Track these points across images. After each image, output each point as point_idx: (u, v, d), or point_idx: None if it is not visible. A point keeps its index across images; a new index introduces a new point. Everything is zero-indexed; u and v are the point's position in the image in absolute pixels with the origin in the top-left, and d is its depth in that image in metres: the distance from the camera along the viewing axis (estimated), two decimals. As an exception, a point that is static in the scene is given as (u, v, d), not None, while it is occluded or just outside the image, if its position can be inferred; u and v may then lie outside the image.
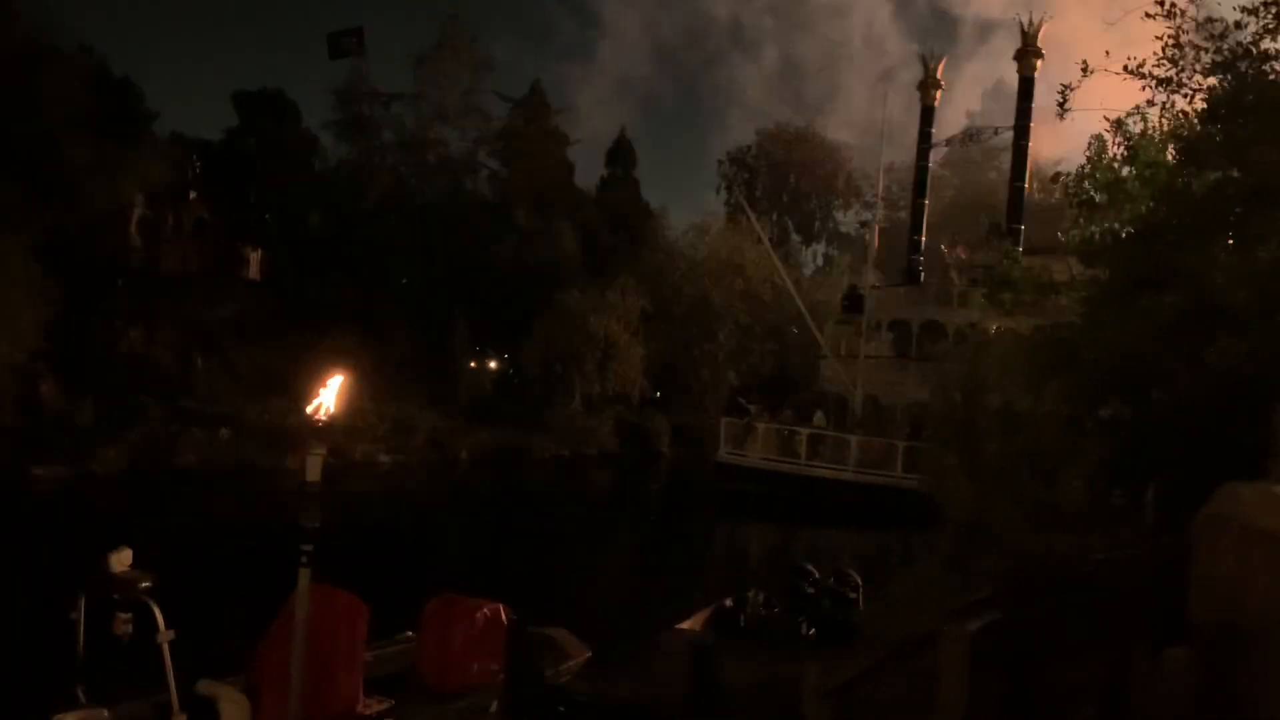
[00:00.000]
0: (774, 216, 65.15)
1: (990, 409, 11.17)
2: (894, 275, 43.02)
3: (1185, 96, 9.03)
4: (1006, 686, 7.27)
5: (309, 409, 5.32)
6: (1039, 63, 37.69)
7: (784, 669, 9.92)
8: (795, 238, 68.05)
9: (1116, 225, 9.92)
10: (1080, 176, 10.17)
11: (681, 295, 50.40)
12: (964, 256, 43.13)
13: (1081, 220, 10.32)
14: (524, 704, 8.22)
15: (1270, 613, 3.60)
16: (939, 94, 41.85)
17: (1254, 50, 8.52)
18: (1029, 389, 10.42)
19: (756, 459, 31.69)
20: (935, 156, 55.48)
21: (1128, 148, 9.73)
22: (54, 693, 6.77)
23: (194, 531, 23.32)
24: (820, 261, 67.20)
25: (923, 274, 40.86)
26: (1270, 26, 8.44)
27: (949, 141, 42.46)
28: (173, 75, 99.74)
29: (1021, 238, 36.35)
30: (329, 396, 5.35)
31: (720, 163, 68.08)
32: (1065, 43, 43.67)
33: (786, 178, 66.94)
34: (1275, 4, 8.38)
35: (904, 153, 50.77)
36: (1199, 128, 8.97)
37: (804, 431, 32.24)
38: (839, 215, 69.20)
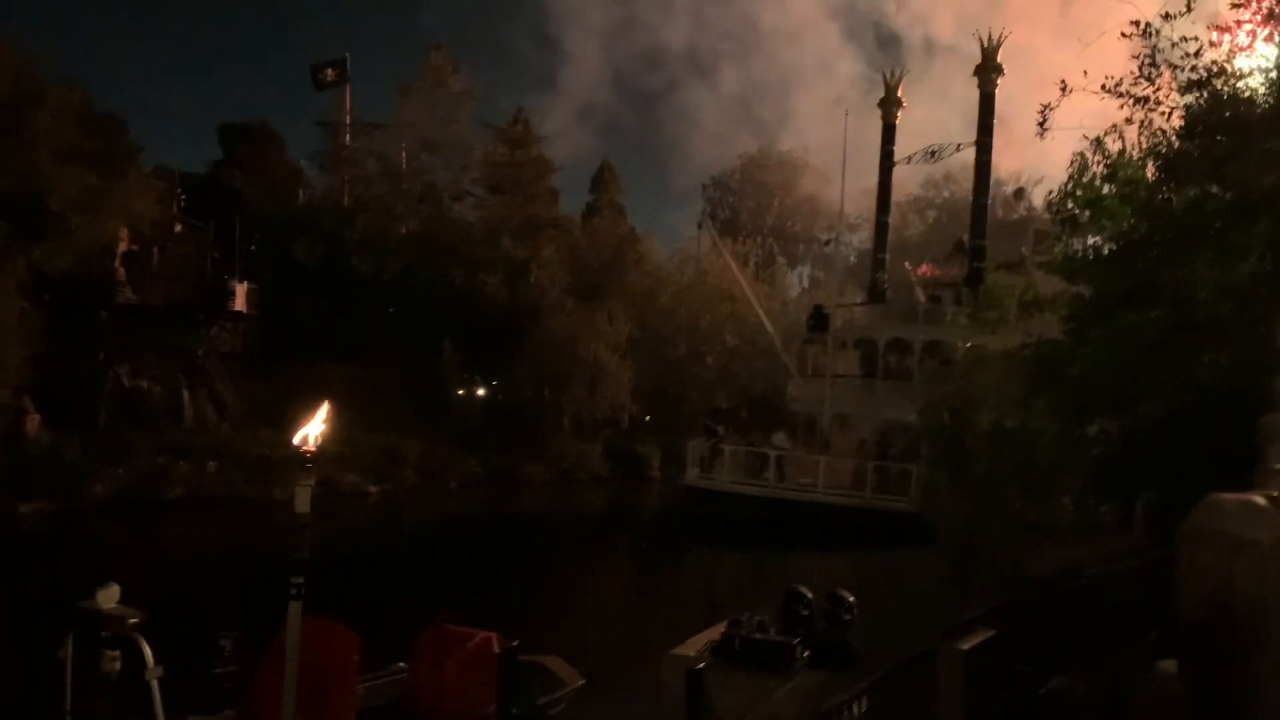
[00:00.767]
0: (759, 239, 65.47)
1: (979, 427, 11.19)
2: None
3: (1163, 114, 9.15)
4: (1003, 702, 7.26)
5: (297, 440, 5.30)
6: (999, 78, 37.75)
7: (780, 692, 9.87)
8: (780, 260, 68.39)
9: (1099, 241, 10.01)
10: (1063, 194, 10.26)
11: (669, 319, 50.48)
12: (927, 273, 43.24)
13: (1065, 237, 10.41)
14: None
15: (1255, 620, 3.62)
16: (900, 112, 41.72)
17: (1228, 68, 8.64)
18: (1017, 406, 10.46)
19: (725, 482, 31.15)
20: (918, 177, 55.80)
21: (1107, 165, 9.83)
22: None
23: (182, 565, 23.14)
24: (805, 283, 67.54)
25: (887, 291, 40.82)
26: (1243, 44, 8.57)
27: (910, 159, 42.49)
28: (158, 108, 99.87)
29: (985, 253, 36.37)
30: (316, 427, 5.33)
31: (704, 186, 68.52)
32: (1016, 57, 44.12)
33: (771, 201, 67.35)
34: (1247, 22, 8.52)
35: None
36: (1177, 144, 9.08)
37: (773, 453, 31.77)
38: (823, 237, 69.59)
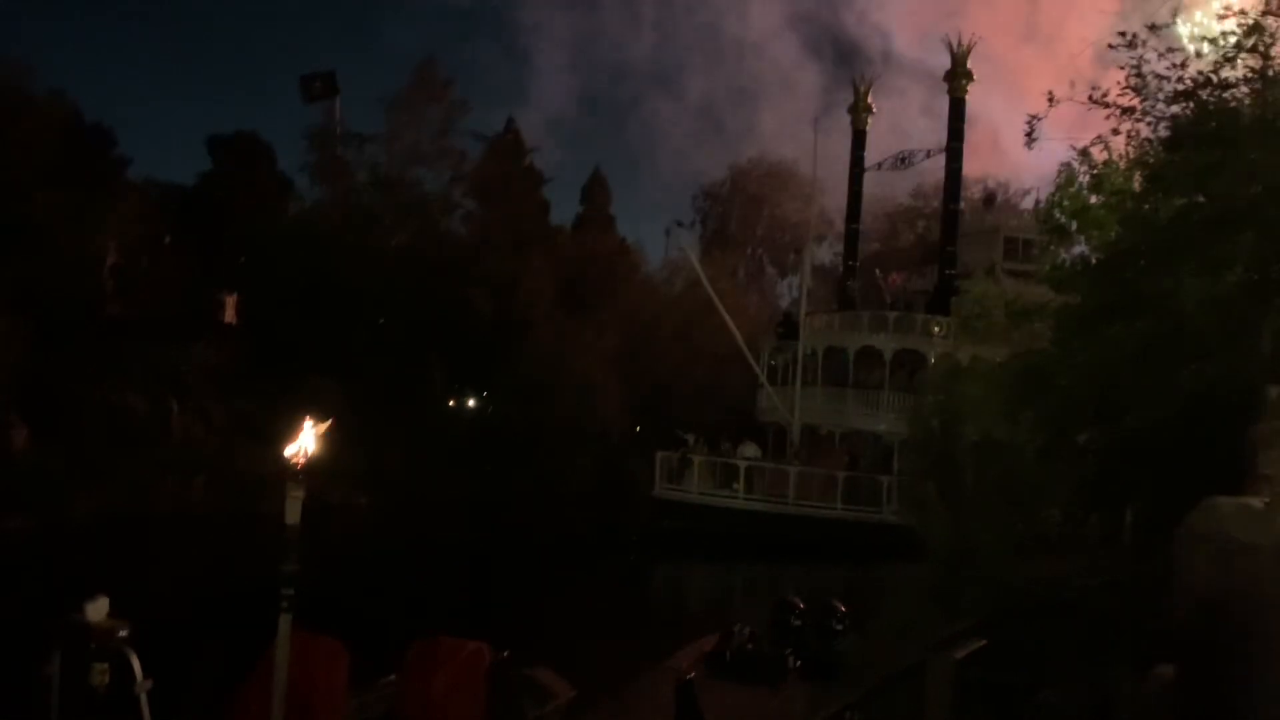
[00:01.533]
0: (749, 250, 65.55)
1: (967, 439, 11.24)
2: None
3: (1149, 124, 9.22)
4: (993, 714, 7.27)
5: (287, 452, 5.29)
6: (968, 84, 37.42)
7: (771, 703, 9.87)
8: (770, 270, 68.47)
9: (1086, 251, 10.08)
10: (1050, 204, 10.33)
11: (659, 331, 50.42)
12: (897, 282, 43.06)
13: (1052, 247, 10.48)
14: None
15: (1252, 625, 3.64)
16: (870, 118, 41.39)
17: (1214, 79, 8.72)
18: (1005, 417, 10.50)
19: (694, 494, 30.67)
20: (906, 187, 55.71)
21: (1093, 175, 9.91)
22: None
23: (170, 579, 22.99)
24: (796, 294, 67.57)
25: (857, 300, 40.55)
26: (1229, 55, 8.65)
27: (880, 165, 42.31)
28: (145, 120, 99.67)
29: (956, 261, 36.22)
30: (308, 440, 5.32)
31: (694, 197, 68.58)
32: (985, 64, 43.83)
33: (760, 211, 67.44)
34: (1233, 33, 8.60)
35: (883, 185, 51.06)
36: (1163, 155, 9.15)
37: (741, 464, 31.31)
38: (813, 248, 69.67)
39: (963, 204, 40.21)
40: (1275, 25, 8.49)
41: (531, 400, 44.27)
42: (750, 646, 11.76)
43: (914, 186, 55.34)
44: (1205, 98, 8.76)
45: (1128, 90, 9.22)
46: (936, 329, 33.80)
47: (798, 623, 12.23)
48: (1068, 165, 10.21)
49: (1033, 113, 9.81)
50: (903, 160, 41.72)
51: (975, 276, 35.38)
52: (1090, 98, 9.45)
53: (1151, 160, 9.39)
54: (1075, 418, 9.24)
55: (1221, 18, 8.73)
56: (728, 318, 36.83)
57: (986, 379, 11.63)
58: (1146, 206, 9.32)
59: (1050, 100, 9.85)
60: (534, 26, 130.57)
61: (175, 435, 35.00)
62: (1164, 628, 6.08)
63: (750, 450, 32.88)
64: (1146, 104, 9.21)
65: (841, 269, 43.63)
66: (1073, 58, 10.15)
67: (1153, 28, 9.11)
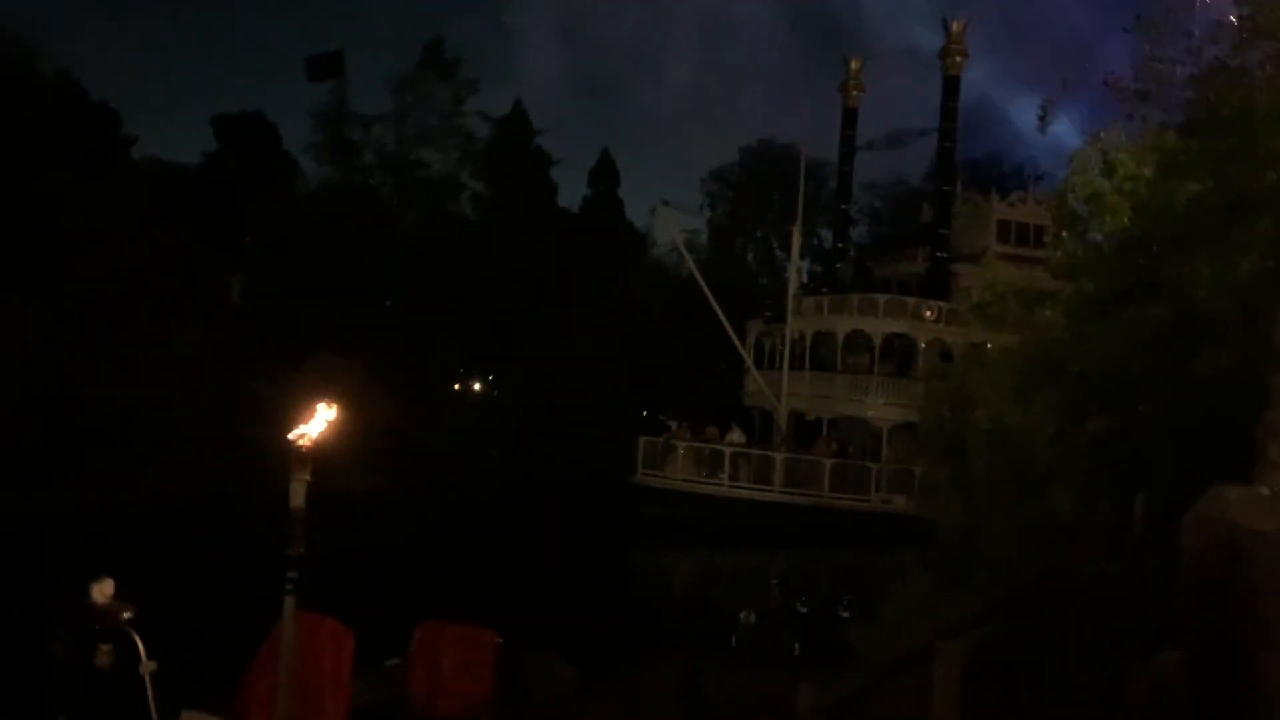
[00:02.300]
0: (758, 234, 65.29)
1: (979, 424, 11.19)
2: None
3: (1164, 110, 9.13)
4: (1001, 701, 7.25)
5: (292, 434, 5.26)
6: (963, 61, 36.25)
7: (776, 689, 9.86)
8: (780, 254, 68.23)
9: (1099, 238, 10.00)
10: (1063, 190, 10.24)
11: (667, 314, 50.30)
12: (887, 263, 42.44)
13: (1065, 233, 10.39)
14: (514, 730, 8.13)
15: (1257, 612, 3.61)
16: (860, 95, 40.14)
17: (1230, 64, 8.61)
18: (1017, 403, 10.45)
19: (676, 480, 29.99)
20: (917, 172, 55.16)
21: (1105, 161, 9.81)
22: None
23: (175, 560, 23.04)
24: (805, 278, 67.30)
25: (847, 282, 39.75)
26: (1245, 40, 8.54)
27: (871, 145, 41.33)
28: (151, 99, 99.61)
29: (948, 244, 35.48)
30: (316, 423, 5.29)
31: (702, 180, 68.30)
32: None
33: (770, 194, 67.14)
34: (1248, 19, 8.49)
35: (878, 169, 50.61)
36: (1178, 141, 9.06)
37: (727, 450, 30.63)
38: (823, 233, 69.49)
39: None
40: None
41: (539, 383, 44.26)
42: (757, 633, 11.78)
43: (925, 171, 54.86)
44: (1220, 83, 8.66)
45: (1143, 75, 9.12)
46: (928, 313, 33.19)
47: (804, 609, 12.25)
48: (1081, 150, 10.10)
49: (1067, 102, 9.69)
50: (895, 139, 40.82)
51: (968, 261, 34.98)
52: (1105, 82, 9.36)
53: (1166, 146, 9.29)
54: (1087, 404, 9.18)
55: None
56: (711, 298, 36.13)
57: (999, 364, 11.57)
58: (1161, 193, 9.23)
59: (1064, 85, 9.76)
60: (542, 7, 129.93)
61: (180, 415, 35.02)
62: (1173, 617, 6.06)
63: (736, 436, 32.09)
64: (1162, 89, 9.12)
65: (832, 250, 42.71)
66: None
67: (1169, 12, 9.00)
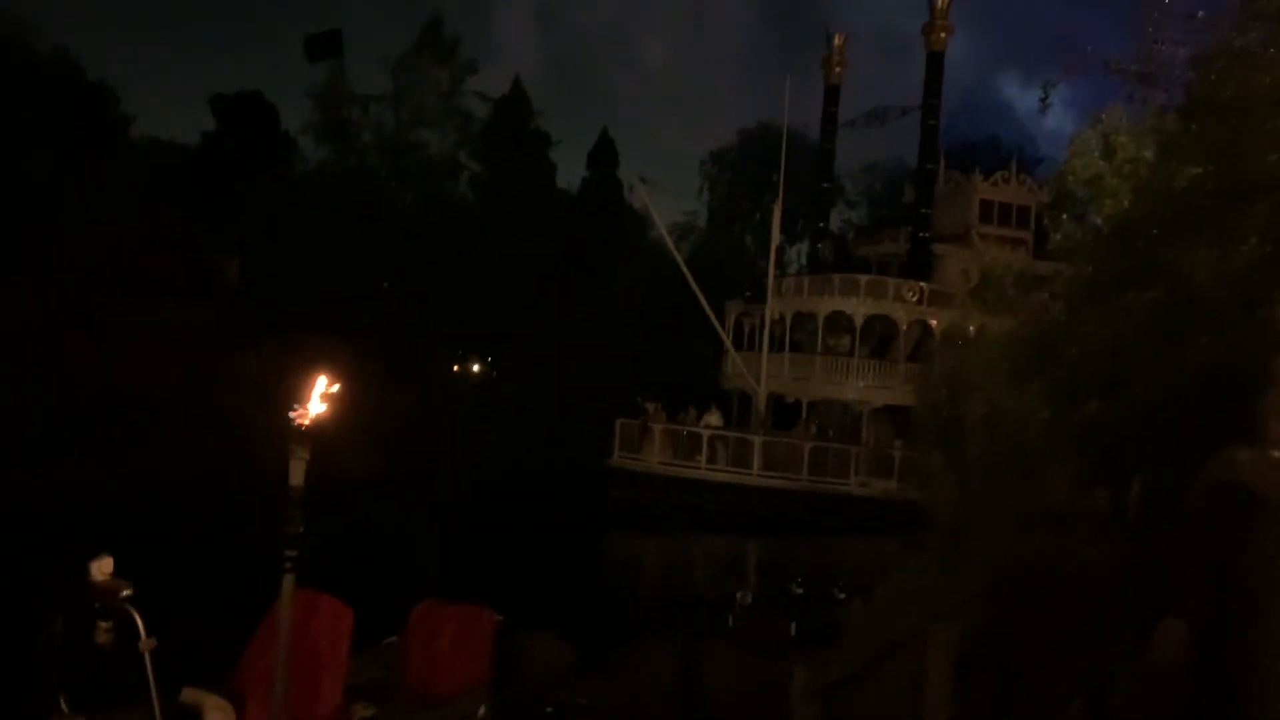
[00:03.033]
0: (757, 217, 65.15)
1: (974, 409, 11.21)
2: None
3: (1165, 92, 9.10)
4: (993, 686, 7.29)
5: (292, 412, 5.27)
6: (946, 37, 35.45)
7: (771, 670, 9.91)
8: (780, 236, 68.12)
9: (1098, 221, 9.98)
10: (1061, 173, 10.22)
11: (667, 297, 50.23)
12: (868, 244, 41.99)
13: (1063, 216, 10.38)
14: (511, 708, 8.17)
15: (1274, 575, 3.59)
16: (842, 71, 39.45)
17: (1231, 46, 8.58)
18: (1012, 387, 10.46)
19: (653, 464, 29.64)
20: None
21: (1104, 144, 9.79)
22: (35, 703, 6.68)
23: (173, 539, 23.09)
24: (804, 261, 67.26)
25: (828, 263, 39.29)
26: (1247, 22, 8.51)
27: (853, 123, 40.62)
28: (148, 78, 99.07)
29: (930, 223, 34.97)
30: (316, 401, 5.30)
31: (701, 163, 68.11)
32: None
33: (769, 176, 66.99)
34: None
35: (878, 150, 50.22)
36: (1178, 123, 9.03)
37: (705, 433, 30.32)
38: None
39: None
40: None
41: (538, 367, 44.25)
42: (752, 613, 11.84)
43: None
44: (1221, 65, 8.63)
45: (1143, 57, 9.08)
46: (910, 294, 32.81)
47: (800, 591, 12.31)
48: (1081, 133, 10.08)
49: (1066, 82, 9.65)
50: (876, 117, 40.11)
51: (950, 241, 34.69)
52: (1105, 63, 9.32)
53: (1166, 129, 9.27)
54: (1083, 389, 9.19)
55: None
56: (690, 277, 35.84)
57: (993, 348, 11.58)
58: (1160, 176, 9.21)
59: (1066, 67, 9.72)
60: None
61: (178, 395, 35.00)
62: (1167, 596, 6.08)
63: (713, 419, 31.77)
64: (1162, 70, 9.08)
65: (812, 230, 42.12)
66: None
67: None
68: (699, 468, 29.49)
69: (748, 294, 36.52)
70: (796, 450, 29.89)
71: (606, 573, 23.91)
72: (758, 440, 30.36)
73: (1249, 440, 5.31)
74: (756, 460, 29.62)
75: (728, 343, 36.46)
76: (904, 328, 32.60)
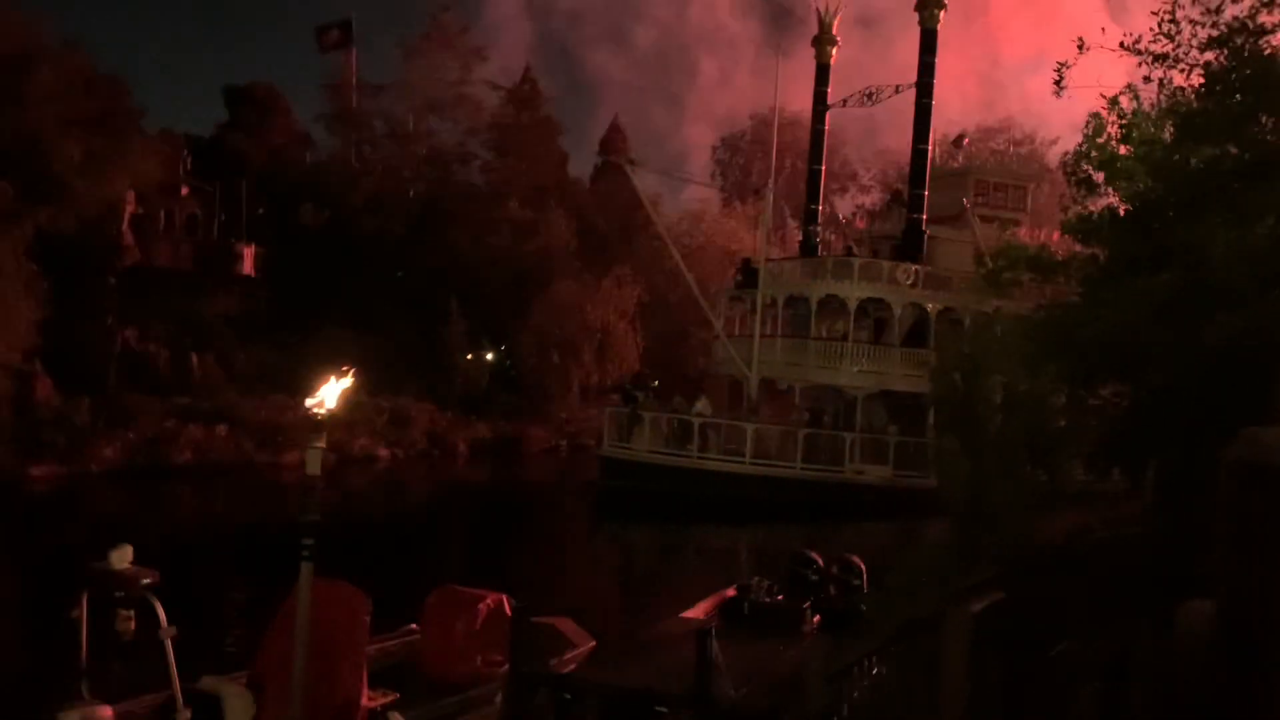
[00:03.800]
0: (769, 201, 64.91)
1: (990, 392, 11.15)
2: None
3: (1182, 72, 9.00)
4: (1009, 665, 7.29)
5: (309, 402, 5.29)
6: (942, 13, 33.92)
7: (788, 655, 9.93)
8: (792, 223, 67.94)
9: (1114, 203, 9.91)
10: (1077, 155, 10.12)
11: (677, 283, 50.13)
12: (861, 226, 41.15)
13: (1079, 198, 10.30)
14: (529, 693, 8.21)
15: None
16: (835, 50, 38.10)
17: (1250, 24, 8.49)
18: (1028, 370, 10.40)
19: (644, 452, 28.93)
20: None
21: (1122, 125, 9.68)
22: (58, 690, 6.76)
23: (193, 528, 23.31)
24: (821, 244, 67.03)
25: (820, 246, 38.34)
26: (1266, 0, 8.42)
27: (845, 102, 39.76)
28: (161, 70, 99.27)
29: (924, 204, 34.13)
30: (332, 392, 5.31)
31: (714, 148, 67.95)
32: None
33: (782, 162, 66.71)
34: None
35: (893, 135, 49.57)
36: (1195, 103, 8.94)
37: (697, 421, 29.55)
38: (835, 199, 69.00)
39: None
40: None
41: (550, 351, 44.32)
42: (767, 599, 11.84)
43: (940, 136, 54.03)
44: (1240, 44, 8.54)
45: (1160, 36, 8.98)
46: (904, 276, 32.22)
47: (815, 577, 12.29)
48: (1096, 115, 9.97)
49: (1082, 64, 9.54)
50: (869, 96, 39.16)
51: (945, 223, 33.99)
52: (1121, 44, 9.23)
53: (1183, 109, 9.17)
54: (1099, 371, 9.14)
55: None
56: (680, 260, 35.11)
57: (1011, 331, 11.52)
58: (1177, 156, 9.12)
59: (1080, 47, 9.62)
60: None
61: (196, 385, 35.26)
62: (1185, 574, 6.05)
63: (704, 406, 30.99)
64: (1180, 50, 8.98)
65: (804, 212, 41.26)
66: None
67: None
68: (691, 455, 28.86)
69: (739, 278, 35.83)
70: (790, 437, 29.47)
71: (611, 559, 23.95)
72: (750, 427, 29.70)
73: (1268, 419, 5.28)
74: (749, 447, 29.07)
75: (718, 327, 35.53)
76: (899, 311, 31.99)
